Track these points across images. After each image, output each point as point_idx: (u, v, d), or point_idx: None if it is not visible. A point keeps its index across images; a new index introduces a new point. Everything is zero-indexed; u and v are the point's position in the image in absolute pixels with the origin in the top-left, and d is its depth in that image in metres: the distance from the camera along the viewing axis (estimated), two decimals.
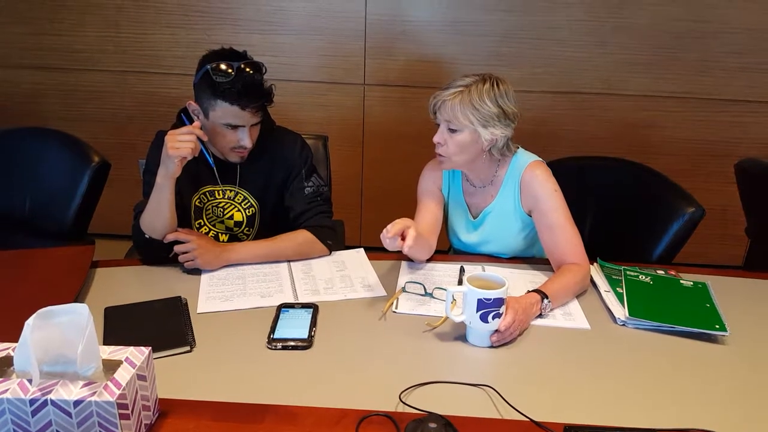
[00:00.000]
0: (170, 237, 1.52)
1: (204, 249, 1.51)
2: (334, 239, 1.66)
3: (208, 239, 1.56)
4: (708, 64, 2.79)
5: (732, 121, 2.88)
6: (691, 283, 1.51)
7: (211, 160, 1.59)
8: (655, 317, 1.35)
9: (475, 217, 1.67)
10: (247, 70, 1.48)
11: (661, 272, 1.58)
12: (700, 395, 1.14)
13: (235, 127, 1.51)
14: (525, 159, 1.60)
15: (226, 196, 1.67)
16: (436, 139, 1.53)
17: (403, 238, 1.39)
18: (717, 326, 1.32)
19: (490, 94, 1.47)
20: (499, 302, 1.22)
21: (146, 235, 1.52)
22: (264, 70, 1.52)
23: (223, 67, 1.46)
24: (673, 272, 1.58)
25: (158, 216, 1.50)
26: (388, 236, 1.37)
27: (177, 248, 1.51)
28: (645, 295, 1.44)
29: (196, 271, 1.53)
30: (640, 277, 1.53)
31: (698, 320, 1.34)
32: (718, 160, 2.92)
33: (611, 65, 2.81)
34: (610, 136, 2.92)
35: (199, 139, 1.46)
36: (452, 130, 1.50)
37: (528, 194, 1.58)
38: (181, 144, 1.41)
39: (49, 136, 2.06)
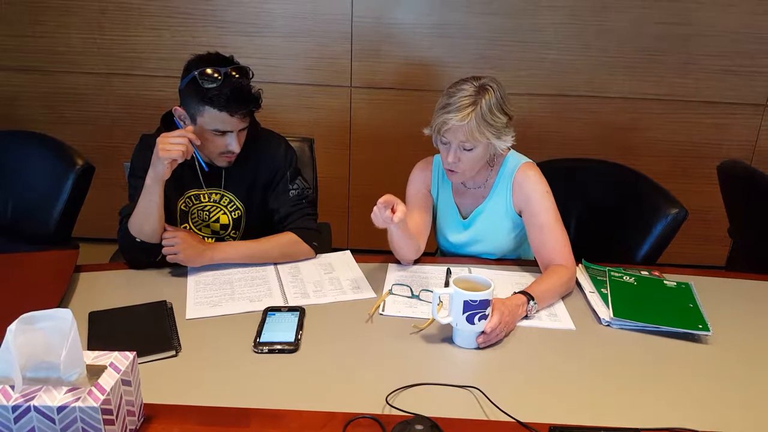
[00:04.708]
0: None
1: (187, 244, 1.50)
2: (320, 241, 1.65)
3: (194, 236, 1.55)
4: (690, 67, 2.82)
5: (714, 123, 2.92)
6: (675, 284, 1.53)
7: (204, 164, 1.58)
8: (639, 317, 1.36)
9: (465, 218, 1.68)
10: (235, 75, 1.47)
11: (644, 273, 1.59)
12: (683, 394, 1.15)
13: (223, 133, 1.50)
14: (517, 160, 1.62)
15: (211, 200, 1.66)
16: (450, 159, 1.49)
17: (393, 212, 1.40)
18: (700, 326, 1.34)
19: (497, 105, 1.45)
20: (485, 304, 1.23)
21: (138, 239, 1.51)
22: (251, 75, 1.52)
23: (210, 72, 1.45)
24: (656, 273, 1.60)
25: (147, 219, 1.48)
26: (379, 203, 1.37)
27: (163, 241, 1.51)
28: (629, 296, 1.45)
29: (182, 275, 1.52)
30: (624, 277, 1.55)
31: (681, 320, 1.36)
32: (700, 162, 2.95)
33: (595, 68, 2.84)
34: (594, 138, 2.95)
35: (191, 142, 1.46)
36: (466, 149, 1.48)
37: (520, 194, 1.59)
38: (172, 146, 1.40)
39: (32, 139, 2.03)
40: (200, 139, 1.51)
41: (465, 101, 1.43)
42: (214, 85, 1.44)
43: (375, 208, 1.39)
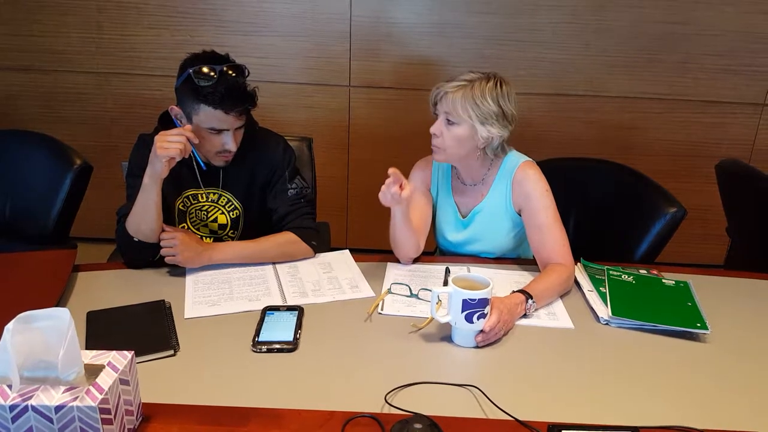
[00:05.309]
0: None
1: (185, 245, 1.49)
2: (318, 240, 1.65)
3: (192, 237, 1.54)
4: (689, 66, 2.83)
5: (713, 122, 2.92)
6: (673, 282, 1.53)
7: (202, 163, 1.58)
8: (638, 316, 1.36)
9: (464, 216, 1.68)
10: (230, 73, 1.47)
11: (643, 272, 1.59)
12: (682, 393, 1.15)
13: (219, 131, 1.50)
14: (517, 159, 1.62)
15: (209, 199, 1.66)
16: (433, 129, 1.53)
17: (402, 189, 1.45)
18: (698, 324, 1.34)
19: (492, 93, 1.49)
20: (483, 302, 1.23)
21: (135, 239, 1.50)
22: (247, 73, 1.51)
23: (205, 70, 1.45)
24: (655, 271, 1.60)
25: (145, 218, 1.48)
26: (390, 173, 1.42)
27: (162, 242, 1.50)
28: (628, 295, 1.45)
29: (180, 274, 1.52)
30: (622, 276, 1.55)
31: (680, 319, 1.36)
32: (699, 161, 2.96)
33: (594, 67, 2.84)
34: (593, 138, 2.95)
35: (189, 141, 1.45)
36: (450, 123, 1.51)
37: (519, 193, 1.59)
38: (170, 145, 1.40)
39: (30, 138, 2.03)
40: (197, 137, 1.50)
41: (465, 77, 1.51)
42: (209, 83, 1.43)
43: (383, 186, 1.43)
